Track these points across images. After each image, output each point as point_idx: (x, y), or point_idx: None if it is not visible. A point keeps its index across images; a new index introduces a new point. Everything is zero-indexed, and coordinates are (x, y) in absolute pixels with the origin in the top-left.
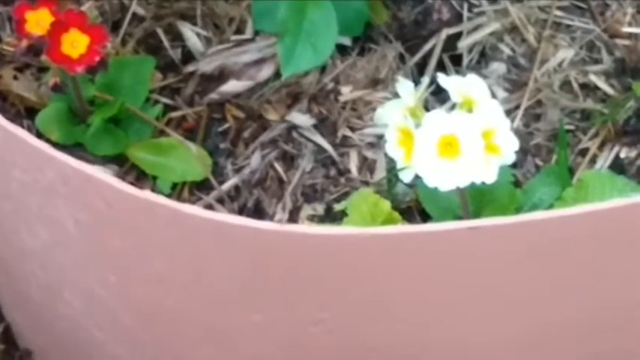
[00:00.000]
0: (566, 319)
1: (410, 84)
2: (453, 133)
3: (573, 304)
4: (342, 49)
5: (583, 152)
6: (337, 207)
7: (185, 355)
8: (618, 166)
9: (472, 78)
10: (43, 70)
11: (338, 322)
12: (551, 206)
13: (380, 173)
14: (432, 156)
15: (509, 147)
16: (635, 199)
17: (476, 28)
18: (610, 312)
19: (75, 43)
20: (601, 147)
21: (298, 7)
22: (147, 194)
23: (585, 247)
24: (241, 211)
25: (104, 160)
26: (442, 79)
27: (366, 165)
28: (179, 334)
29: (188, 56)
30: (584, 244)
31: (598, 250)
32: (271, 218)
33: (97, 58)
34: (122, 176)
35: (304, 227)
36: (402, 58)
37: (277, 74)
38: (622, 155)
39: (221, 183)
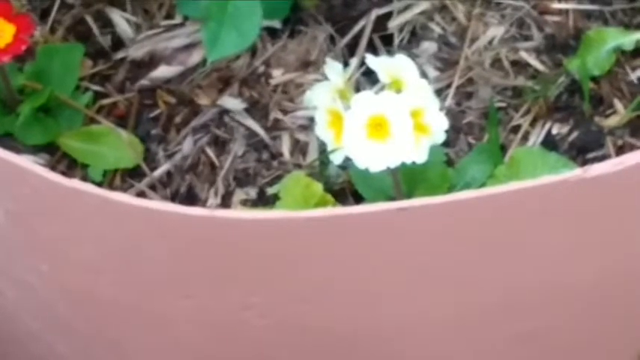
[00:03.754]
0: (495, 298)
1: (338, 65)
2: (381, 114)
3: (503, 283)
4: (272, 32)
5: (515, 129)
6: (270, 191)
7: (121, 342)
8: (550, 143)
9: (400, 58)
10: None
11: (271, 306)
12: (483, 184)
13: (312, 155)
14: (361, 137)
15: (438, 126)
16: (566, 176)
17: (406, 8)
18: (538, 290)
19: (0, 33)
20: (533, 124)
21: None
22: (75, 182)
23: (516, 224)
24: (174, 197)
25: (35, 150)
26: (370, 60)
27: (299, 148)
28: (114, 321)
29: (118, 43)
30: (515, 221)
31: (529, 228)
32: (204, 203)
33: (24, 48)
34: (53, 165)
35: (235, 212)
36: (332, 40)
37: (206, 59)
38: (554, 131)
39: (153, 169)
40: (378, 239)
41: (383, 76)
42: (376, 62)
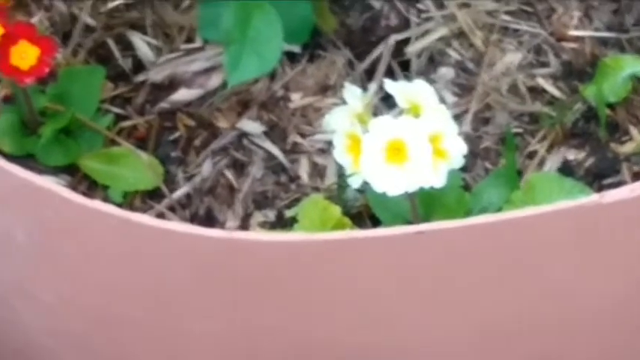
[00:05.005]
0: (509, 321)
1: (357, 90)
2: (400, 138)
3: (518, 306)
4: (291, 57)
5: (531, 155)
6: (288, 213)
7: None
8: (566, 168)
9: (419, 83)
10: None
11: (287, 328)
12: (500, 209)
13: (330, 179)
14: (379, 161)
15: (457, 151)
16: (582, 201)
17: (424, 34)
18: (552, 314)
19: (24, 55)
20: (549, 149)
21: (243, 15)
22: (96, 204)
23: (533, 249)
24: (193, 219)
25: (56, 171)
26: (388, 85)
27: (317, 171)
28: (131, 341)
29: (139, 66)
30: (532, 246)
31: (545, 253)
32: (222, 225)
33: (47, 70)
34: (74, 186)
35: (254, 234)
36: (351, 65)
37: (227, 82)
38: (570, 157)
39: (172, 191)
40: (395, 262)
41: (401, 101)
42: (395, 87)
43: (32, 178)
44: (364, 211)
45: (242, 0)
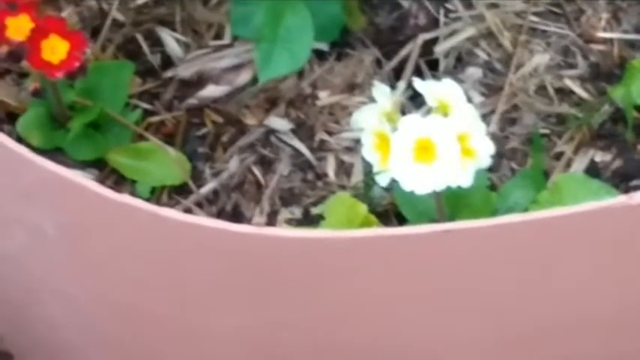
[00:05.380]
0: (533, 321)
1: (386, 88)
2: (428, 137)
3: (542, 306)
4: (319, 55)
5: (558, 156)
6: (314, 210)
7: (162, 356)
8: (593, 170)
9: (447, 82)
10: (23, 75)
11: (313, 324)
12: (526, 209)
13: (357, 177)
14: (408, 160)
15: (484, 151)
16: (609, 202)
17: (452, 34)
18: (581, 314)
19: (55, 49)
20: (576, 151)
21: (275, 12)
22: (125, 198)
23: (559, 249)
24: (219, 215)
25: (84, 165)
26: (418, 84)
27: (343, 169)
28: (157, 335)
29: (167, 61)
30: (559, 247)
31: (572, 253)
32: (249, 222)
33: (77, 64)
34: (101, 180)
35: (281, 230)
36: (378, 63)
37: (255, 79)
38: (597, 159)
39: (199, 187)
40: (422, 261)
41: (430, 100)
42: (424, 86)
43: (62, 171)
44: (390, 210)
45: None
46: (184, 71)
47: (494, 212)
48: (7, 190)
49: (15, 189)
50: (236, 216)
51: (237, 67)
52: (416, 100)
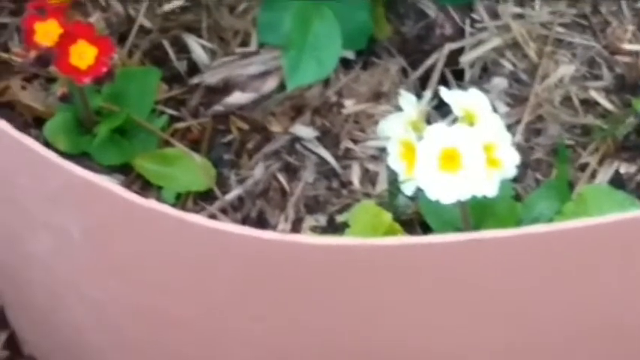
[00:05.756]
0: (557, 332)
1: (412, 97)
2: (454, 147)
3: (570, 316)
4: (345, 63)
5: (583, 167)
6: (339, 218)
7: None
8: (618, 182)
9: (474, 92)
10: (50, 80)
11: (337, 331)
12: (551, 220)
13: (381, 185)
14: (433, 169)
15: (510, 161)
16: (634, 214)
17: (478, 44)
18: (605, 326)
19: (83, 55)
20: (601, 162)
21: (303, 20)
22: (152, 203)
23: (584, 260)
24: (244, 222)
25: (110, 170)
26: (444, 93)
27: (368, 177)
28: (181, 341)
29: (193, 68)
30: (583, 257)
31: (597, 264)
32: (274, 229)
33: (104, 69)
34: (127, 186)
35: (306, 237)
36: (404, 72)
37: (281, 87)
38: (622, 170)
39: (225, 193)
40: (447, 269)
41: (456, 110)
42: (450, 95)
43: (89, 176)
44: (415, 218)
45: (302, 5)
46: (210, 78)
47: (519, 222)
48: (35, 194)
49: (42, 193)
50: (261, 223)
51: (263, 75)
52: (441, 110)
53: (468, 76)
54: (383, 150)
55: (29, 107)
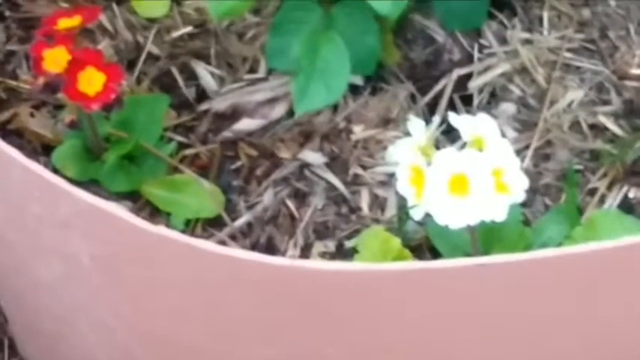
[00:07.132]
0: (568, 354)
1: (421, 123)
2: (463, 172)
3: (579, 341)
4: (354, 89)
5: (592, 192)
6: (348, 244)
7: None
8: (627, 206)
9: (482, 117)
10: (58, 107)
11: (344, 355)
12: (560, 245)
13: (390, 211)
14: (442, 194)
15: (518, 186)
16: None
17: (486, 69)
18: (613, 350)
19: (91, 81)
20: (610, 187)
21: (312, 46)
22: (161, 229)
23: (593, 285)
24: (254, 248)
25: (118, 197)
26: (453, 118)
27: (377, 203)
28: None
29: (202, 95)
30: (593, 282)
31: (605, 289)
32: (283, 254)
33: (113, 96)
34: (136, 212)
35: (315, 263)
36: (413, 98)
37: (290, 113)
38: (630, 195)
39: (234, 219)
40: (456, 294)
41: (465, 135)
42: (459, 120)
43: (98, 202)
44: (424, 244)
45: (311, 31)
46: (219, 104)
47: (528, 247)
48: (45, 221)
49: (52, 219)
50: (270, 249)
51: (271, 101)
52: (450, 135)
53: (476, 101)
54: (392, 175)
55: (38, 134)
